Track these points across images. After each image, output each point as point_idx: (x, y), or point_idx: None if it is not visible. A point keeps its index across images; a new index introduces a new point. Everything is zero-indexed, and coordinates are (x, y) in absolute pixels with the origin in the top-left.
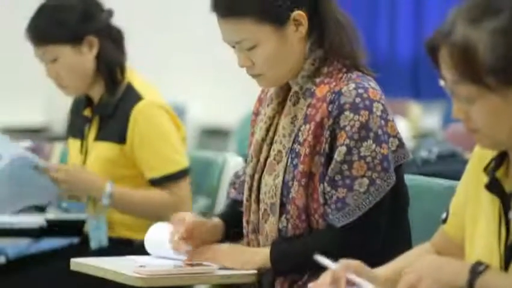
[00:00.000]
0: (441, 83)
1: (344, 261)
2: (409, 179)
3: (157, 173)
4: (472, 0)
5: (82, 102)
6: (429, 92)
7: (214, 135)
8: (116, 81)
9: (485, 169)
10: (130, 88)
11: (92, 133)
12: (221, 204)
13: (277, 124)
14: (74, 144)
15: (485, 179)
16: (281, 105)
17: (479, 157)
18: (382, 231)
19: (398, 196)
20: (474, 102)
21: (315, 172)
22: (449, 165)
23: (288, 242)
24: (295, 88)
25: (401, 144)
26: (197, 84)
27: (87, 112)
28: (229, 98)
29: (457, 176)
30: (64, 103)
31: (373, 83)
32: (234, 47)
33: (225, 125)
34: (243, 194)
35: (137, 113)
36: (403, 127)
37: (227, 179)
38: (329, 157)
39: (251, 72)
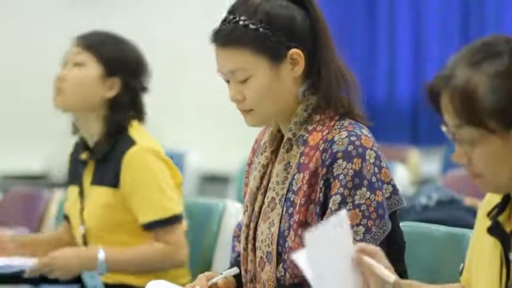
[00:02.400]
0: (443, 128)
1: (360, 244)
2: (408, 225)
3: (148, 218)
4: (471, 45)
5: (81, 148)
6: (429, 138)
7: (214, 181)
8: (117, 134)
9: (489, 214)
10: (124, 133)
11: (88, 177)
12: (222, 249)
13: (270, 172)
14: (72, 190)
15: (488, 223)
16: (274, 153)
17: (486, 205)
18: None
19: (393, 242)
20: (476, 146)
21: (310, 222)
22: (449, 212)
23: None
24: (288, 135)
25: (395, 191)
26: (197, 130)
27: (84, 156)
28: (229, 145)
29: (456, 223)
30: (63, 150)
31: (365, 130)
32: (228, 81)
33: (225, 172)
34: None
35: (129, 157)
36: (402, 173)
37: (227, 226)
38: (324, 206)
39: (241, 107)
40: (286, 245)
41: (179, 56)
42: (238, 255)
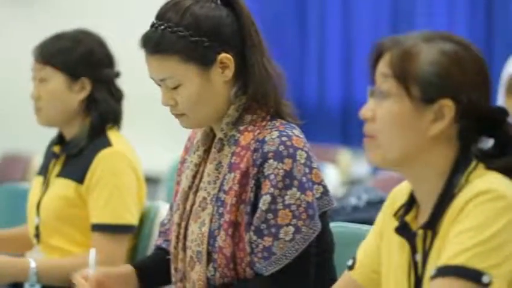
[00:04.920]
0: (369, 88)
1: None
2: (339, 226)
3: (100, 219)
4: (427, 31)
5: (56, 140)
6: (359, 139)
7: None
8: (98, 131)
9: (395, 214)
10: (103, 135)
11: (56, 170)
12: None
13: (203, 172)
14: (38, 180)
15: (395, 224)
16: (207, 152)
17: (389, 205)
18: (312, 279)
19: (322, 243)
20: (388, 99)
21: (240, 221)
22: (378, 212)
23: None
24: (219, 135)
25: (325, 192)
26: (125, 132)
27: (56, 149)
28: (159, 146)
29: None
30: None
31: (297, 131)
32: (159, 84)
33: (155, 173)
34: (167, 241)
35: (101, 157)
36: (333, 174)
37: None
38: (254, 206)
39: (174, 112)
40: (216, 245)
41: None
42: (156, 250)
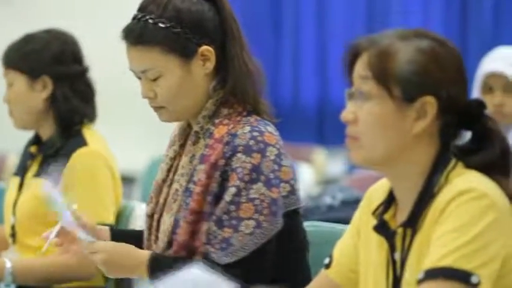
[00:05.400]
0: (347, 91)
1: None
2: (313, 225)
3: None
4: (401, 29)
5: (33, 141)
6: (334, 139)
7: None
8: (68, 129)
9: (374, 213)
10: (78, 134)
11: (32, 170)
12: None
13: (177, 165)
14: (14, 181)
15: (373, 222)
16: (183, 147)
17: (367, 203)
18: (267, 275)
19: (294, 242)
20: (369, 101)
21: (205, 211)
22: (353, 211)
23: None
24: (196, 128)
25: (292, 191)
26: (100, 131)
27: (33, 149)
28: (134, 145)
29: None
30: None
31: (271, 128)
32: (139, 77)
33: (130, 172)
34: None
35: (77, 157)
36: (308, 173)
37: (133, 228)
38: (217, 197)
39: (153, 104)
40: (177, 232)
41: (90, 55)
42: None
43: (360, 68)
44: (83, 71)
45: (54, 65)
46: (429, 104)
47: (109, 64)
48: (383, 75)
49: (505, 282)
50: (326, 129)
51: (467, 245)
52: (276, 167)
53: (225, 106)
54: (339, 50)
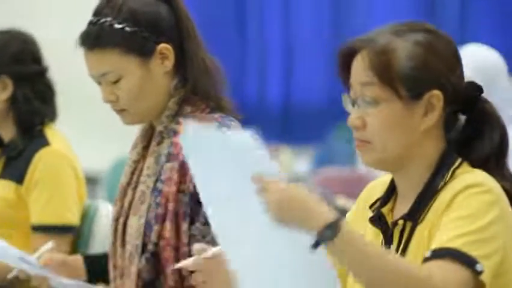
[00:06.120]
0: (345, 96)
1: None
2: None
3: (40, 220)
4: (395, 23)
5: None
6: (300, 137)
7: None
8: (30, 130)
9: (371, 206)
10: (40, 134)
11: None
12: (95, 251)
13: (141, 168)
14: None
15: (370, 214)
16: (146, 149)
17: (365, 197)
18: None
19: None
20: (377, 107)
21: (181, 212)
22: None
23: None
24: (159, 128)
25: None
26: (63, 130)
27: None
28: (97, 144)
29: None
30: None
31: (235, 124)
32: (99, 83)
33: (93, 172)
34: None
35: (40, 157)
36: None
37: (100, 228)
38: (194, 196)
39: (115, 107)
40: (151, 235)
41: (52, 56)
42: None
43: (361, 74)
44: (43, 71)
45: (13, 64)
46: (436, 97)
47: (70, 64)
48: (387, 76)
49: (500, 282)
50: (292, 129)
51: (477, 232)
52: None
53: (188, 104)
54: (304, 49)
